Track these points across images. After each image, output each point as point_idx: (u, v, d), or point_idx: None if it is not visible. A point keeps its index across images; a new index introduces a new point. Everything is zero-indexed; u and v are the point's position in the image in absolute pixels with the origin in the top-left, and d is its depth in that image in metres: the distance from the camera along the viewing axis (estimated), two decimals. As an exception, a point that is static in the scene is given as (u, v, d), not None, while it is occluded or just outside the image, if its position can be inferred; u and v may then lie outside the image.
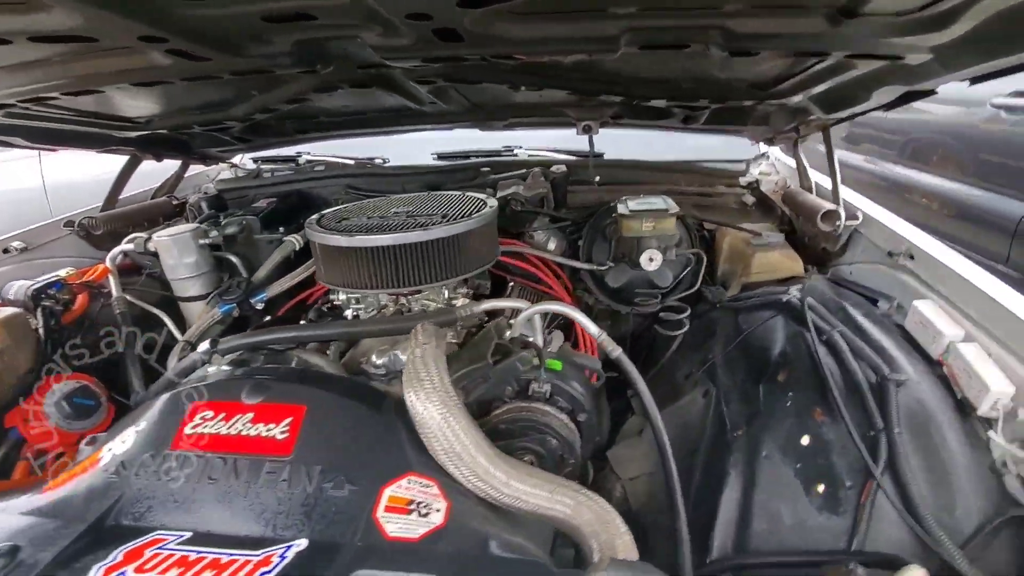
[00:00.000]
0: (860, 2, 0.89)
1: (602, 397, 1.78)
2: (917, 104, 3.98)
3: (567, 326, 1.70)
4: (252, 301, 1.73)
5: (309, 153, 2.68)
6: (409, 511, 0.81)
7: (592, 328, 1.22)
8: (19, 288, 1.49)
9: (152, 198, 2.29)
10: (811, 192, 1.91)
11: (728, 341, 1.53)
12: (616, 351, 1.19)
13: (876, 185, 4.32)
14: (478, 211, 1.49)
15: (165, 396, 0.97)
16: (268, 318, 1.86)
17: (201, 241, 1.76)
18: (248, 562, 0.73)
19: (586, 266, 1.86)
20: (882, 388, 1.12)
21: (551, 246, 1.96)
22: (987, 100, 3.30)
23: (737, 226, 1.86)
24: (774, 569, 1.05)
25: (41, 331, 1.44)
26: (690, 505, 1.18)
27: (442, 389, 0.90)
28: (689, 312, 1.73)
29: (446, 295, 1.59)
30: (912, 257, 1.40)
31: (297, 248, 1.82)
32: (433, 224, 1.41)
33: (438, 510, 0.82)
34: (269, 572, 0.71)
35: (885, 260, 1.50)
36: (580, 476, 1.45)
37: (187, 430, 0.89)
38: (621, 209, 1.70)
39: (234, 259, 1.83)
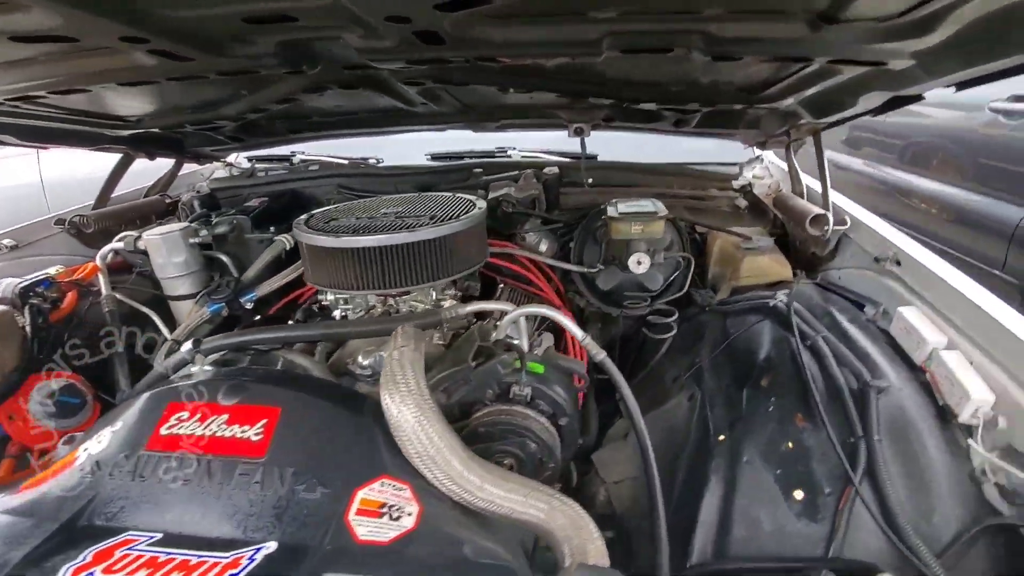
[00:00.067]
0: (840, 8, 0.89)
1: (590, 399, 1.78)
2: (917, 108, 4.01)
3: (558, 329, 1.70)
4: (241, 300, 1.73)
5: (303, 153, 2.69)
6: (381, 514, 0.81)
7: (577, 331, 1.22)
8: (6, 286, 1.49)
9: (145, 196, 2.29)
10: (802, 196, 1.90)
11: (715, 345, 1.53)
12: (600, 354, 1.18)
13: (876, 189, 4.32)
14: (466, 213, 1.49)
15: (142, 396, 0.97)
16: (258, 317, 1.87)
17: (191, 240, 1.76)
18: (217, 564, 0.73)
19: (577, 268, 1.86)
20: (863, 395, 1.12)
21: (542, 248, 1.96)
22: (985, 104, 3.29)
23: (727, 230, 1.86)
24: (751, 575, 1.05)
25: (28, 329, 1.44)
26: (672, 509, 1.18)
27: (417, 392, 0.90)
28: (677, 316, 1.73)
29: (434, 296, 1.59)
30: (899, 263, 1.40)
31: (288, 248, 1.82)
32: (420, 225, 1.40)
33: (410, 514, 0.82)
34: (237, 574, 0.71)
35: (873, 265, 1.49)
36: (564, 479, 1.45)
37: (162, 431, 0.89)
38: (610, 211, 1.70)
39: (224, 258, 1.83)
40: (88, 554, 0.74)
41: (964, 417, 1.04)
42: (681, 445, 1.35)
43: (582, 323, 2.00)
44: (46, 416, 1.35)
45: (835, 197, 1.70)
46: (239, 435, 0.88)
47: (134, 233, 1.78)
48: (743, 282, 1.72)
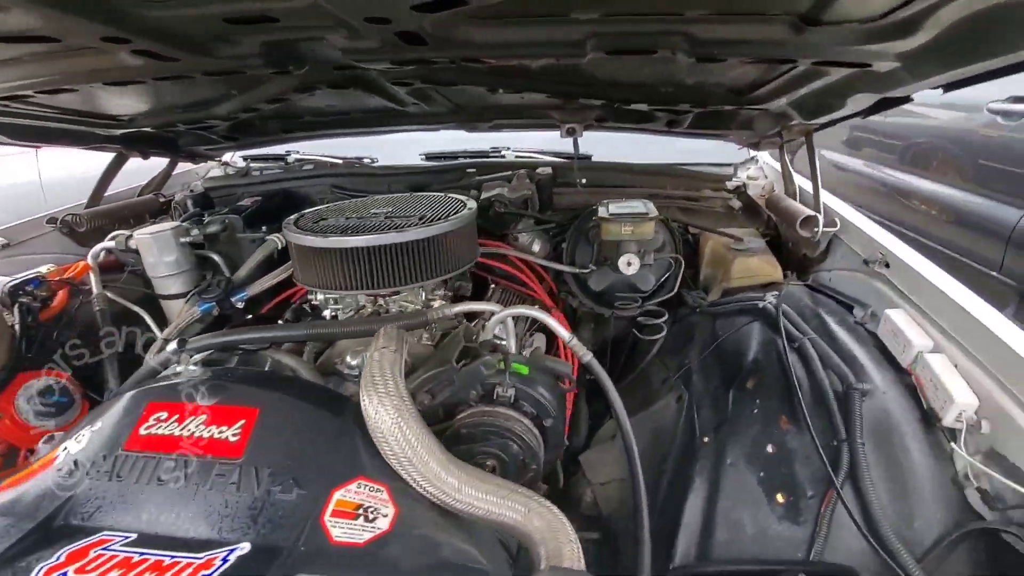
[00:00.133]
0: (821, 10, 0.89)
1: (581, 400, 1.78)
2: (918, 108, 3.99)
3: (550, 330, 1.70)
4: (232, 300, 1.73)
5: (298, 152, 2.69)
6: (356, 516, 0.81)
7: (563, 332, 1.22)
8: (-4, 284, 1.50)
9: (139, 195, 2.30)
10: (795, 197, 1.90)
11: (704, 346, 1.52)
12: (587, 356, 1.18)
13: (876, 190, 4.30)
14: (455, 213, 1.49)
15: (123, 396, 0.97)
16: (250, 316, 1.87)
17: (182, 239, 1.76)
18: (190, 564, 0.73)
19: (568, 269, 1.86)
20: (847, 397, 1.11)
21: (535, 248, 1.96)
22: (984, 105, 3.27)
23: (718, 231, 1.85)
24: (731, 578, 1.04)
25: (17, 327, 1.44)
26: (657, 511, 1.18)
27: (396, 394, 0.90)
28: (666, 317, 1.72)
29: (423, 297, 1.59)
30: (888, 265, 1.39)
31: (280, 247, 1.82)
32: (409, 226, 1.40)
33: (385, 515, 0.82)
34: (210, 575, 0.72)
35: (863, 267, 1.49)
36: (551, 480, 1.45)
37: (141, 431, 0.90)
38: (601, 212, 1.70)
39: (216, 258, 1.83)
40: (62, 554, 0.74)
41: (948, 421, 1.04)
42: (668, 447, 1.35)
43: (575, 324, 2.00)
44: (34, 415, 1.36)
45: (827, 198, 1.70)
46: (217, 436, 0.88)
47: (126, 232, 1.78)
48: (734, 283, 1.72)
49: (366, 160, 2.59)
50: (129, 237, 1.76)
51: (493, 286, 1.91)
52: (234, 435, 0.88)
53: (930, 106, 3.85)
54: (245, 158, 2.72)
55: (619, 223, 1.66)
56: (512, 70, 1.35)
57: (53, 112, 1.57)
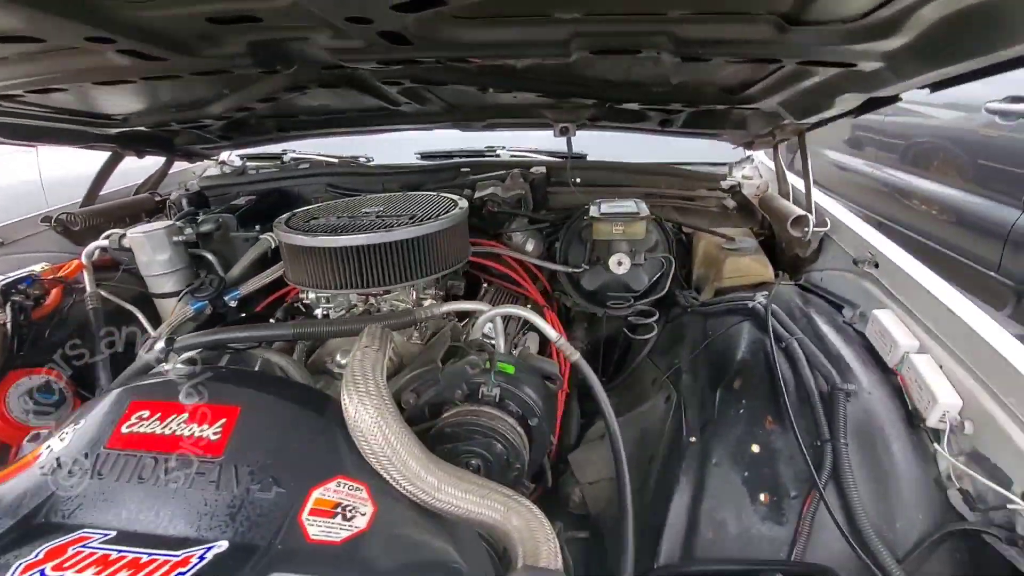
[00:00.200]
0: (803, 10, 0.89)
1: (573, 401, 1.78)
2: (919, 108, 3.97)
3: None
4: (226, 299, 1.74)
5: (295, 151, 2.69)
6: (334, 514, 0.81)
7: (551, 332, 1.22)
8: (-12, 283, 1.51)
9: (135, 194, 2.31)
10: (788, 197, 1.89)
11: (695, 346, 1.52)
12: (575, 355, 1.18)
13: (877, 190, 4.28)
14: (446, 212, 1.49)
15: (107, 395, 0.97)
16: (243, 315, 1.87)
17: (175, 238, 1.77)
18: (167, 562, 0.73)
19: (561, 268, 1.86)
20: (832, 398, 1.11)
21: (529, 247, 1.96)
22: (982, 105, 3.26)
23: (710, 230, 1.85)
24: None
25: (8, 326, 1.45)
26: (645, 511, 1.18)
27: (376, 393, 0.90)
28: (657, 316, 1.72)
29: (415, 296, 1.60)
30: (877, 265, 1.39)
31: (273, 246, 1.83)
32: (399, 225, 1.41)
33: (363, 514, 0.82)
34: (185, 572, 0.72)
35: (853, 267, 1.49)
36: (538, 479, 1.45)
37: (123, 429, 0.90)
38: (592, 211, 1.70)
39: (210, 256, 1.84)
40: (41, 551, 0.74)
41: (932, 421, 1.04)
42: (656, 447, 1.35)
43: (568, 323, 2.00)
44: (25, 413, 1.36)
45: (819, 198, 1.70)
46: (197, 434, 0.88)
47: (119, 231, 1.79)
48: (726, 283, 1.71)
49: (362, 159, 2.60)
50: (123, 236, 1.77)
51: (486, 285, 1.91)
52: (215, 434, 0.88)
53: (931, 105, 3.83)
54: (241, 157, 2.72)
55: (610, 222, 1.66)
56: (501, 70, 1.35)
57: (46, 111, 1.58)
